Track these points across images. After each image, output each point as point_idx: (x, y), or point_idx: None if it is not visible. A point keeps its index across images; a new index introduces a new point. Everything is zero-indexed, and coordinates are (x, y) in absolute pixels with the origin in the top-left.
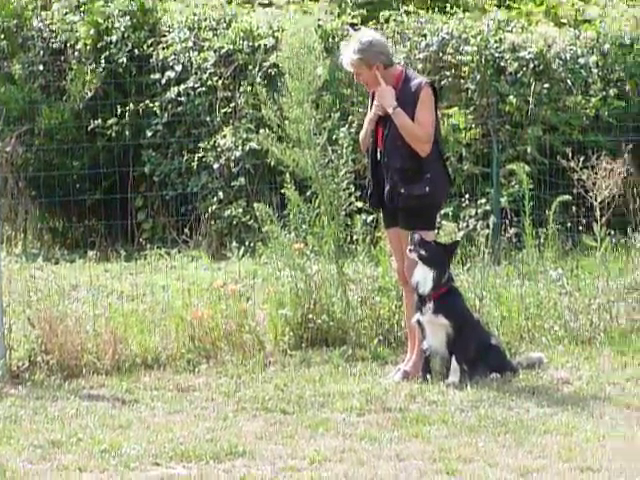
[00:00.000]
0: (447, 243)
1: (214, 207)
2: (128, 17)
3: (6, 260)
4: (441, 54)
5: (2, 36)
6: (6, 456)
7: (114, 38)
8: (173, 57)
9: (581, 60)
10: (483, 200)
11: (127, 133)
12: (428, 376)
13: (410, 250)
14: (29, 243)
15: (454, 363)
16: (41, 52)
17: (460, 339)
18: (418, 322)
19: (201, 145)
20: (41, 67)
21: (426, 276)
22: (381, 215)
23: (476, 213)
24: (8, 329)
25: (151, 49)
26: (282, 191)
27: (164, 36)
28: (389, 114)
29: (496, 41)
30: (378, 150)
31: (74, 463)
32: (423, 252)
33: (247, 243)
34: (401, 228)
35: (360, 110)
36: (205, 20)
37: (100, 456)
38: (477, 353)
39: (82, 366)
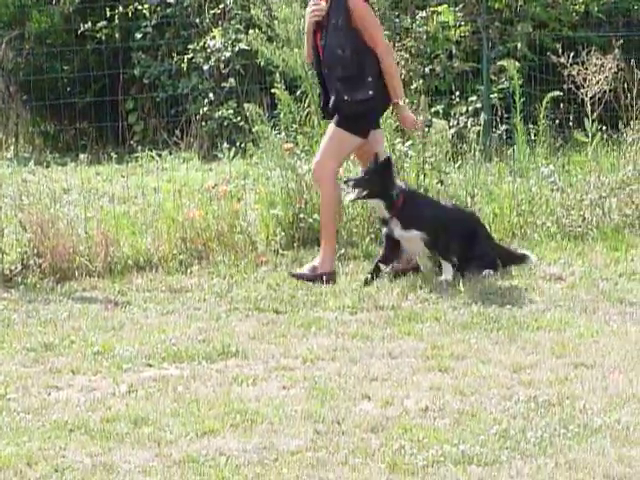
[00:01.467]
0: (377, 166)
1: (205, 109)
2: None
3: None
4: None
5: None
6: None
7: None
8: None
9: None
10: (473, 97)
11: (117, 36)
12: (369, 277)
13: (351, 200)
14: (20, 147)
15: (444, 262)
16: None
17: (438, 240)
18: (387, 236)
19: (190, 47)
20: None
21: (377, 204)
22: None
23: (467, 110)
24: (0, 233)
25: None
26: (272, 91)
27: None
28: (325, 24)
29: None
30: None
31: (67, 366)
32: (361, 190)
33: (238, 144)
34: (335, 124)
35: None
36: None
37: (93, 358)
38: (464, 245)
39: (74, 269)
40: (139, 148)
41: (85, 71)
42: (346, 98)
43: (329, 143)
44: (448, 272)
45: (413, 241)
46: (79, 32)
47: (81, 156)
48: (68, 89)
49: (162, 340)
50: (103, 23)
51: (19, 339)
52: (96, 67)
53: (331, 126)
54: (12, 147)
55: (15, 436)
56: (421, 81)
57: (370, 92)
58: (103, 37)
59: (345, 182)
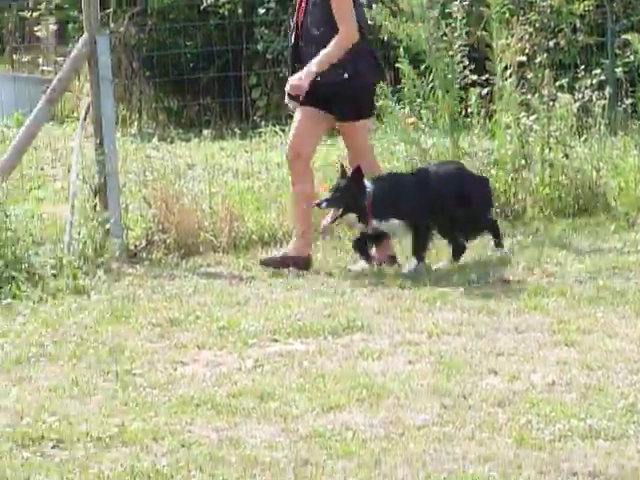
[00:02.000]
0: (347, 180)
1: None
2: None
3: (122, 140)
4: None
5: None
6: (125, 335)
7: None
8: None
9: None
10: (598, 71)
11: (239, 11)
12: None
13: (327, 224)
14: (144, 123)
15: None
16: None
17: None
18: (364, 236)
19: None
20: None
21: (351, 218)
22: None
23: (591, 84)
24: (125, 209)
25: None
26: (396, 66)
27: None
28: (307, 1)
29: None
30: (295, 38)
31: (192, 341)
32: (336, 210)
33: None
34: (339, 120)
35: None
36: None
37: (219, 333)
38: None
39: (199, 244)
40: (262, 123)
41: (208, 47)
42: (319, 79)
43: (303, 124)
44: (411, 264)
45: (394, 229)
46: (202, 7)
47: (205, 132)
48: (191, 65)
49: (287, 315)
50: None
51: (145, 315)
52: (219, 42)
53: (307, 107)
54: (136, 123)
55: (142, 411)
56: (545, 55)
57: (345, 75)
58: (226, 12)
59: (317, 205)
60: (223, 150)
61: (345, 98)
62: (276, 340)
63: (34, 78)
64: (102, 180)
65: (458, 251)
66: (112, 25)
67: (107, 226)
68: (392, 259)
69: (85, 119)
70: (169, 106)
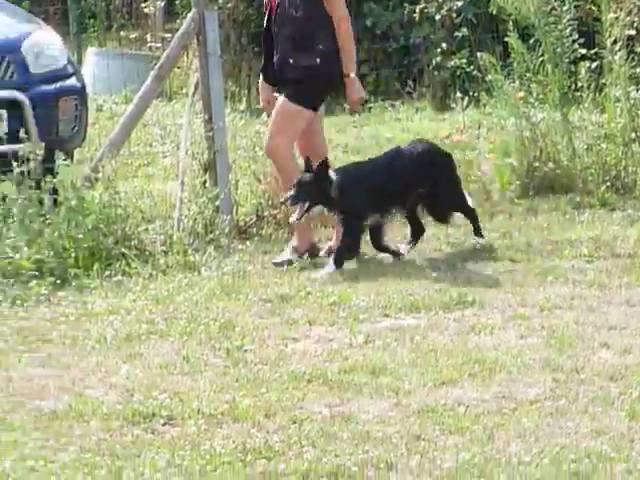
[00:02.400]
0: (313, 174)
1: (437, 58)
2: None
3: (231, 116)
4: None
5: None
6: (235, 311)
7: None
8: None
9: None
10: None
11: None
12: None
13: (295, 220)
14: (253, 99)
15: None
16: None
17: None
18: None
19: None
20: None
21: (319, 210)
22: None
23: None
24: (234, 185)
25: None
26: (505, 40)
27: None
28: None
29: None
30: (268, 20)
31: (303, 317)
32: (302, 205)
33: (471, 93)
34: (284, 97)
35: None
36: None
37: (329, 309)
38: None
39: None
40: (372, 98)
41: None
42: (291, 61)
43: (279, 119)
44: (329, 267)
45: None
46: None
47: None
48: None
49: (398, 290)
50: None
51: (255, 290)
52: None
53: (280, 100)
54: (244, 99)
55: (253, 387)
56: None
57: (317, 60)
58: None
59: (282, 203)
60: (333, 125)
61: (306, 84)
62: (387, 315)
63: (142, 55)
64: (211, 156)
65: (417, 234)
66: (220, 1)
67: (217, 202)
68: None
69: (194, 95)
70: None
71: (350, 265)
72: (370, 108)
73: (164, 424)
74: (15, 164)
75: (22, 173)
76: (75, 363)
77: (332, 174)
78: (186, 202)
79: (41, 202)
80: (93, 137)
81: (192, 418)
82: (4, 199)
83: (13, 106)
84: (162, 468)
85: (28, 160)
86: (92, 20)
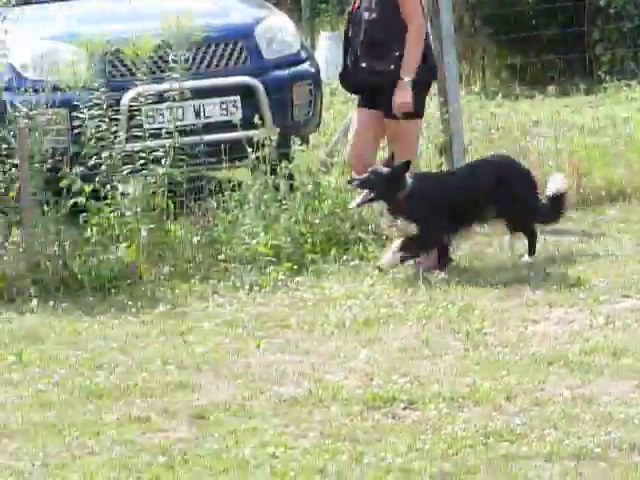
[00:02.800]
0: (391, 170)
1: None
2: None
3: (466, 99)
4: None
5: None
6: (474, 294)
7: None
8: None
9: None
10: None
11: None
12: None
13: (355, 205)
14: (487, 81)
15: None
16: None
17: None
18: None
19: None
20: None
21: (380, 205)
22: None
23: None
24: None
25: None
26: None
27: None
28: None
29: None
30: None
31: (543, 299)
32: (367, 193)
33: None
34: (385, 117)
35: None
36: None
37: (569, 290)
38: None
39: None
40: (607, 78)
41: (550, 2)
42: (364, 65)
43: (398, 144)
44: (387, 259)
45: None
46: None
47: (549, 88)
48: (533, 21)
49: (638, 271)
50: None
51: (493, 274)
52: None
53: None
54: (479, 81)
55: (493, 370)
56: None
57: (392, 66)
58: None
59: (349, 182)
60: (568, 106)
61: (389, 91)
62: (627, 296)
63: None
64: (447, 139)
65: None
66: None
67: None
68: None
69: None
70: (512, 63)
71: (590, 247)
72: (605, 88)
73: (404, 408)
74: (250, 150)
75: (257, 159)
76: (314, 348)
77: (408, 178)
78: None
79: (277, 188)
80: (328, 122)
81: (433, 402)
82: (240, 185)
83: (247, 92)
84: (403, 452)
85: (263, 146)
86: (324, 4)
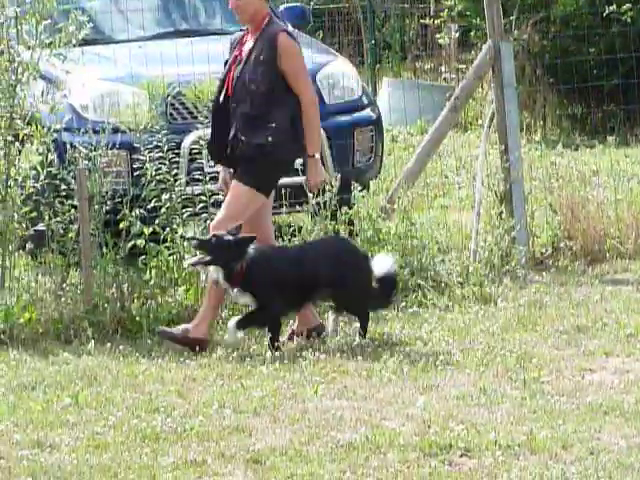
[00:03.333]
0: (235, 238)
1: None
2: None
3: (526, 147)
4: None
5: None
6: (532, 342)
7: None
8: None
9: None
10: None
11: None
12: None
13: (193, 264)
14: (548, 130)
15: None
16: None
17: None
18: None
19: None
20: None
21: (215, 271)
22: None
23: None
24: (530, 216)
25: None
26: None
27: None
28: (244, 57)
29: None
30: (225, 95)
31: (600, 348)
32: (207, 257)
33: None
34: (236, 180)
35: None
36: None
37: (626, 340)
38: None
39: (605, 251)
40: None
41: (611, 53)
42: (243, 138)
43: (231, 204)
44: (230, 334)
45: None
46: (604, 14)
47: (609, 138)
48: (594, 71)
49: None
50: (628, 6)
51: (552, 322)
52: (622, 49)
53: (235, 183)
54: (540, 130)
55: (549, 419)
56: None
57: (269, 139)
58: (629, 19)
59: (187, 239)
60: (628, 156)
61: (257, 164)
62: None
63: (437, 86)
64: (507, 187)
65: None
66: (515, 32)
67: (513, 233)
68: (319, 327)
69: (489, 126)
70: (573, 112)
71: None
72: None
73: (461, 455)
74: (310, 195)
75: (318, 204)
76: (371, 394)
77: (251, 250)
78: (482, 233)
79: (337, 233)
80: (388, 168)
81: (489, 449)
82: (300, 230)
83: None
84: None
85: (324, 191)
86: (386, 51)
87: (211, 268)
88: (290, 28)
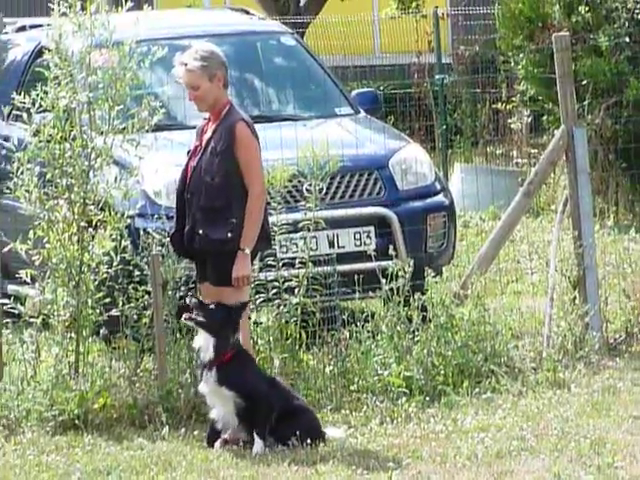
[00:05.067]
0: (232, 305)
1: None
2: None
3: (599, 232)
4: None
5: (587, 8)
6: (606, 428)
7: None
8: None
9: None
10: None
11: None
12: (217, 444)
13: (185, 318)
14: (621, 215)
15: (255, 435)
16: (626, 23)
17: (252, 408)
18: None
19: None
20: (627, 39)
21: (208, 343)
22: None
23: None
24: (604, 301)
25: None
26: None
27: None
28: (202, 146)
29: None
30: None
31: None
32: (201, 318)
33: None
34: (210, 284)
35: None
36: None
37: None
38: (283, 419)
39: None
40: None
41: None
42: (200, 232)
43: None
44: (258, 445)
45: (224, 400)
46: None
47: None
48: None
49: None
50: None
51: (625, 407)
52: None
53: (210, 288)
54: (612, 215)
55: None
56: None
57: (229, 234)
58: None
59: (191, 296)
60: None
61: (219, 259)
62: None
63: (509, 171)
64: (581, 273)
65: None
66: (588, 117)
67: (586, 319)
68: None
69: (563, 212)
70: None
71: None
72: None
73: None
74: (383, 281)
75: (391, 290)
76: None
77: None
78: (555, 319)
79: (410, 319)
80: (460, 254)
81: None
82: (372, 316)
83: (381, 222)
84: None
85: (397, 277)
86: (458, 136)
87: (200, 336)
88: (247, 118)
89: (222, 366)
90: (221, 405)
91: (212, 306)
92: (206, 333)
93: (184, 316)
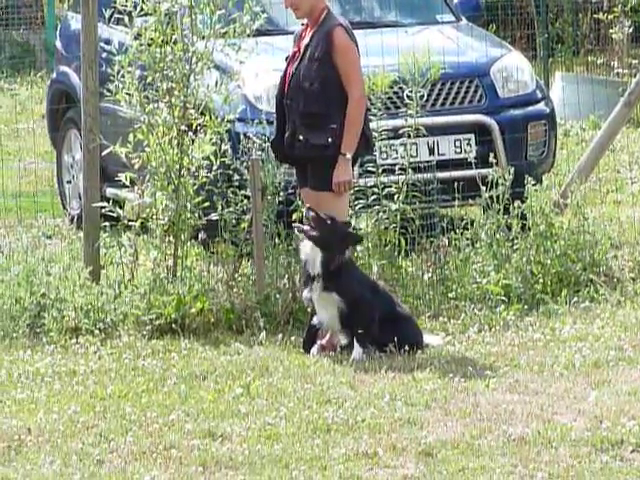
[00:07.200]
0: (344, 228)
1: None
2: None
3: None
4: None
5: None
6: None
7: None
8: None
9: None
10: None
11: None
12: (313, 350)
13: (299, 229)
14: None
15: (355, 341)
16: None
17: (357, 315)
18: (309, 299)
19: None
20: None
21: (315, 257)
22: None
23: None
24: None
25: None
26: None
27: None
28: (300, 53)
29: None
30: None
31: None
32: (314, 232)
33: None
34: (310, 189)
35: None
36: None
37: None
38: (384, 325)
39: None
40: None
41: None
42: (301, 138)
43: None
44: (357, 352)
45: (329, 306)
46: None
47: None
48: None
49: None
50: None
51: None
52: None
53: (310, 193)
54: None
55: None
56: None
57: (330, 139)
58: None
59: (308, 208)
60: None
61: (320, 164)
62: None
63: (610, 81)
64: None
65: None
66: None
67: None
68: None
69: None
70: None
71: None
72: None
73: (632, 451)
74: (483, 188)
75: (490, 198)
76: (543, 389)
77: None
78: None
79: (509, 227)
80: (561, 162)
81: None
82: (472, 224)
83: (482, 130)
84: None
85: (497, 185)
86: (559, 45)
87: (307, 247)
88: (345, 23)
89: (329, 273)
90: (326, 311)
91: (328, 221)
92: (318, 246)
93: (295, 226)
